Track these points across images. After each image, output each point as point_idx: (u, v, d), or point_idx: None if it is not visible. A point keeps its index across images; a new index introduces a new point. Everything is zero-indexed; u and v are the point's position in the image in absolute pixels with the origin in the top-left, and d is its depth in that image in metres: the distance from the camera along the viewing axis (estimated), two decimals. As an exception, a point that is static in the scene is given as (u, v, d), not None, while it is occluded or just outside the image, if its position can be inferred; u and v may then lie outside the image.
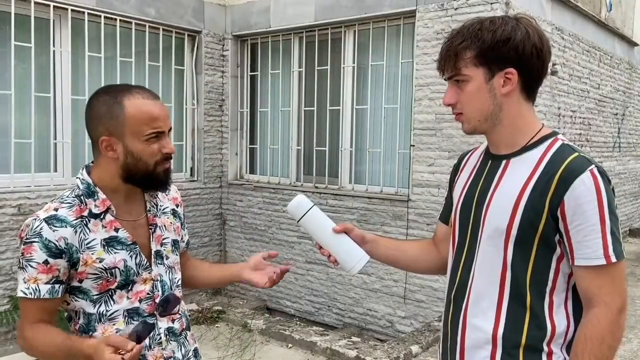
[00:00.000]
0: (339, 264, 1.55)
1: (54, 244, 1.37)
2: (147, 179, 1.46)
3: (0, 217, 4.24)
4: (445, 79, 1.41)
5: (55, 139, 4.67)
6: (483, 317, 1.35)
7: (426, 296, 4.59)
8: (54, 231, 1.37)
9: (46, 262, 1.36)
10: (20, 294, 1.38)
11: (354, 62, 5.10)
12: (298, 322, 5.22)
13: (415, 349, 3.97)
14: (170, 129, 1.51)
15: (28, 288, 1.37)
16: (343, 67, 5.16)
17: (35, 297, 1.37)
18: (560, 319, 1.30)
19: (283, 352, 4.34)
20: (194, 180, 5.80)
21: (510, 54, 1.29)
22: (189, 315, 5.17)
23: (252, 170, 6.01)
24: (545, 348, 1.30)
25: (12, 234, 4.26)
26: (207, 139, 5.80)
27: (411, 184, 4.61)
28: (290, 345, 4.43)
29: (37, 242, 1.36)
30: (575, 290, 1.31)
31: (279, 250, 5.55)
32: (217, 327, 4.95)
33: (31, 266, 1.37)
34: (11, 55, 4.31)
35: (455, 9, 4.28)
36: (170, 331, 1.55)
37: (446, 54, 1.36)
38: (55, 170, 4.67)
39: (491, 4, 4.12)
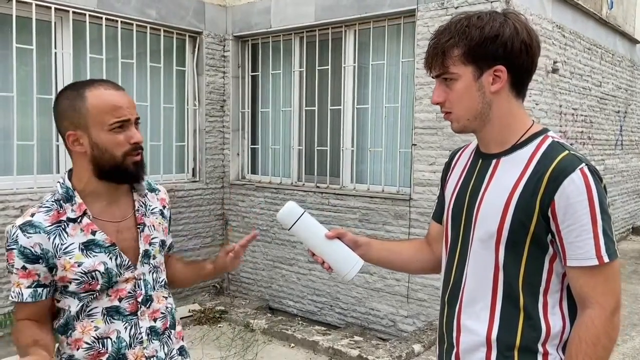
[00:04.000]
0: (333, 271, 1.52)
1: (30, 250, 1.39)
2: (116, 171, 1.44)
3: (2, 219, 4.27)
4: (432, 77, 1.38)
5: (58, 141, 4.68)
6: (477, 319, 1.33)
7: (428, 295, 4.59)
8: (28, 238, 1.39)
9: (24, 267, 1.40)
10: (9, 297, 1.44)
11: (354, 62, 5.11)
12: (300, 322, 5.22)
13: (417, 347, 3.97)
14: (138, 119, 1.48)
15: (14, 292, 1.42)
16: (344, 67, 5.16)
17: (19, 300, 1.41)
18: (555, 319, 1.28)
19: (285, 352, 4.35)
20: (195, 181, 5.81)
21: (499, 51, 1.26)
22: (192, 315, 5.17)
23: (254, 171, 6.03)
24: (541, 349, 1.28)
25: (15, 235, 4.27)
26: (209, 140, 5.81)
27: (413, 183, 4.62)
28: (292, 344, 4.43)
29: (15, 249, 1.39)
30: (570, 290, 1.29)
31: (281, 251, 5.56)
32: (219, 327, 4.96)
33: (13, 272, 1.41)
34: (13, 57, 4.33)
35: (456, 7, 4.28)
36: (152, 330, 1.54)
37: (433, 51, 1.32)
38: (58, 172, 4.69)
39: (491, 2, 4.12)
